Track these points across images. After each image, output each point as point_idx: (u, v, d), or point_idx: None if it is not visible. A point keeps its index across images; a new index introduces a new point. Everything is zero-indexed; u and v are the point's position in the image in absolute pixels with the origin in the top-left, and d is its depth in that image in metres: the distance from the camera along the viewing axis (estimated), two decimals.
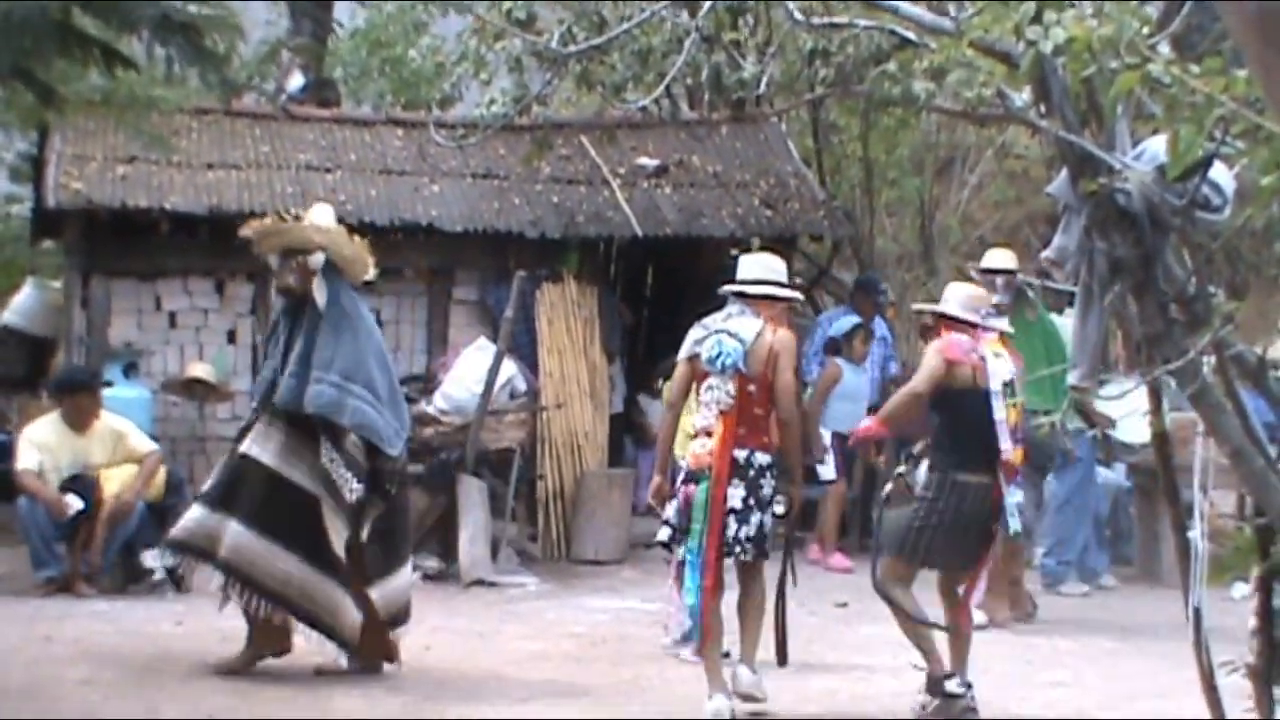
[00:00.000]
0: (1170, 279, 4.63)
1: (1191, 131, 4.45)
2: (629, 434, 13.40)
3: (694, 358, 7.44)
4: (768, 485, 7.31)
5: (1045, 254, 4.97)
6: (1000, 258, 10.31)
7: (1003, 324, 8.07)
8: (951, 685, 7.31)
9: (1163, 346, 4.61)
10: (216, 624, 8.09)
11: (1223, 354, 4.66)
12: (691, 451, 7.39)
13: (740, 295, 7.53)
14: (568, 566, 11.59)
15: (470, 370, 11.30)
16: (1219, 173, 4.65)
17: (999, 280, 9.96)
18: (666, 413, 7.85)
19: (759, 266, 7.72)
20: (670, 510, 7.42)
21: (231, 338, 12.06)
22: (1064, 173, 4.81)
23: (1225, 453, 4.58)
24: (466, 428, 11.03)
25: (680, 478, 7.42)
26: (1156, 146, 4.70)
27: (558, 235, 12.36)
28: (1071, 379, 4.88)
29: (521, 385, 11.51)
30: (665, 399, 7.55)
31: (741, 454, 7.26)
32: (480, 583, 10.62)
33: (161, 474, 10.22)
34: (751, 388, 7.27)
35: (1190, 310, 4.65)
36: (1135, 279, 4.60)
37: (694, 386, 7.51)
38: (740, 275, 7.66)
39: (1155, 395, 5.32)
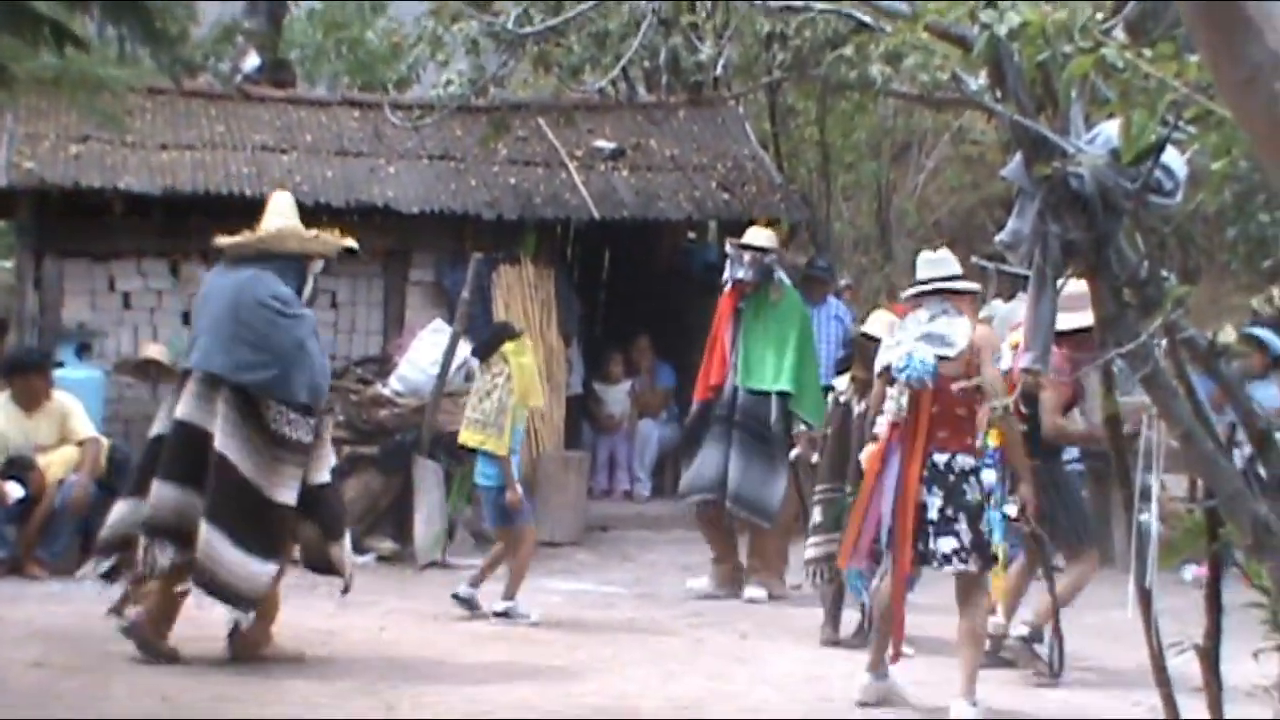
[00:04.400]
0: (1123, 263, 4.65)
1: (1144, 116, 4.48)
2: (585, 417, 13.41)
3: (886, 370, 7.15)
4: (974, 490, 7.09)
5: (999, 238, 4.99)
6: (757, 235, 10.27)
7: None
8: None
9: (1115, 330, 4.64)
10: None
11: (1174, 338, 4.69)
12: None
13: (940, 293, 7.25)
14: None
15: (426, 352, 11.28)
16: (1171, 157, 4.68)
17: (746, 257, 9.96)
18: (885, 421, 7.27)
19: (944, 263, 7.42)
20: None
21: (186, 319, 11.98)
22: (1018, 156, 4.82)
23: (1176, 436, 4.61)
24: (422, 410, 11.01)
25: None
26: (1110, 131, 4.72)
27: (514, 217, 12.35)
28: (1024, 362, 4.90)
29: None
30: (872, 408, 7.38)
31: (942, 458, 7.06)
32: (435, 565, 10.62)
33: (104, 452, 10.17)
34: (954, 387, 6.99)
35: (1142, 294, 4.68)
36: (1088, 262, 4.63)
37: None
38: (926, 274, 7.35)
39: (1107, 379, 5.35)
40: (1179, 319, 4.67)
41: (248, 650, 7.61)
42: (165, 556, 7.48)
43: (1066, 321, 7.86)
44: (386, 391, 11.20)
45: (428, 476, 10.86)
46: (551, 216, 12.58)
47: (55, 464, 10.04)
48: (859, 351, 8.58)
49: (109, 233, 11.80)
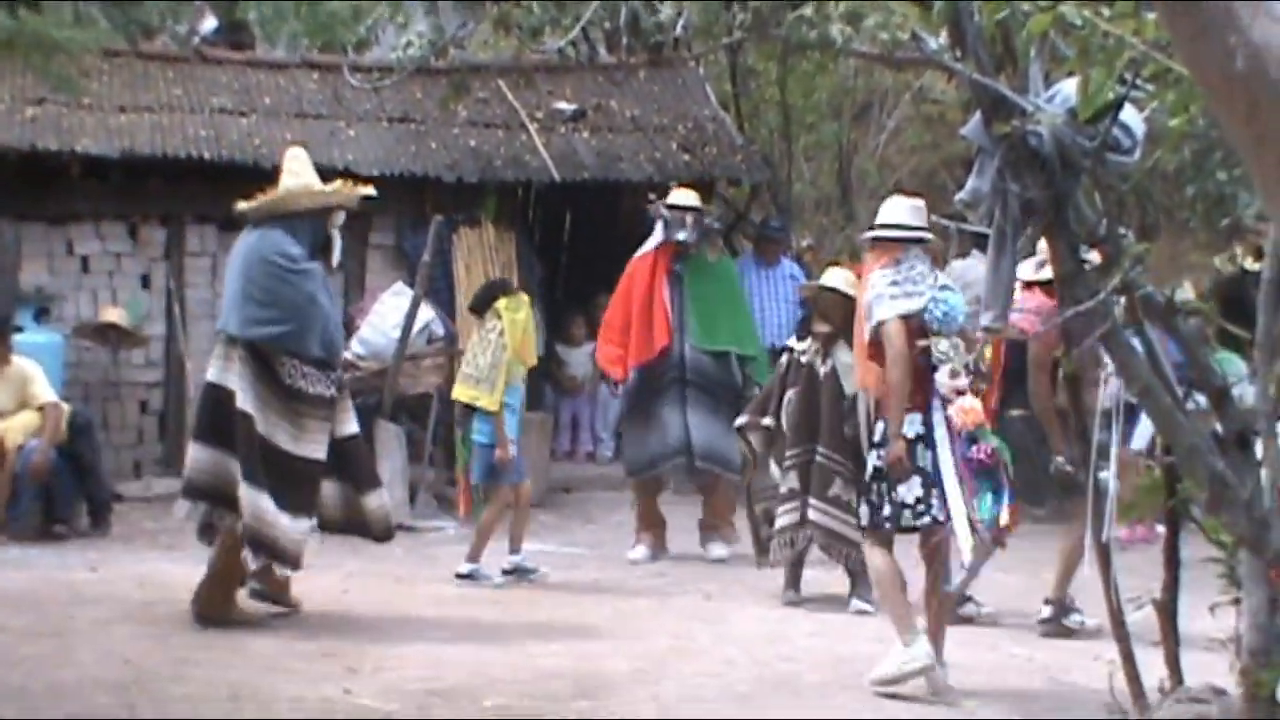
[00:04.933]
0: (1081, 220, 4.68)
1: (1102, 74, 4.50)
2: (548, 379, 13.40)
3: (908, 317, 6.86)
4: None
5: (959, 196, 5.00)
6: (687, 195, 10.24)
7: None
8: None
9: (1074, 287, 4.66)
10: (132, 569, 8.04)
11: (1133, 295, 4.72)
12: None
13: (920, 242, 7.08)
14: (464, 516, 11.58)
15: (387, 315, 11.26)
16: (1129, 115, 4.70)
17: (688, 219, 9.94)
18: (901, 373, 6.86)
19: (911, 209, 7.19)
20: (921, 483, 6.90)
21: (145, 282, 11.93)
22: (978, 115, 4.83)
23: (1134, 392, 4.64)
24: (384, 373, 10.99)
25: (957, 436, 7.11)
26: (1069, 89, 4.74)
27: (475, 180, 12.31)
28: (984, 320, 4.92)
29: (439, 330, 11.48)
30: (895, 360, 6.77)
31: (917, 417, 6.95)
32: (398, 527, 10.58)
33: (65, 417, 10.12)
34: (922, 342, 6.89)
35: (1101, 251, 4.71)
36: (1047, 220, 4.65)
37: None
38: (910, 219, 7.12)
39: (1067, 337, 5.39)
40: (1137, 277, 4.70)
41: (211, 609, 7.63)
42: (202, 515, 7.64)
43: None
44: (348, 355, 11.16)
45: (389, 440, 10.84)
46: (512, 179, 12.54)
47: (15, 429, 10.00)
48: (819, 305, 8.56)
49: (66, 196, 11.72)
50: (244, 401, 7.48)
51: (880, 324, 6.86)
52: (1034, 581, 9.63)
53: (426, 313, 11.23)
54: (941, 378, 7.17)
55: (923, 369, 6.93)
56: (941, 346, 7.02)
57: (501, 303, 9.15)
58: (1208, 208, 12.14)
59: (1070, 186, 4.61)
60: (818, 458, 8.46)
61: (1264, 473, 4.36)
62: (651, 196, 10.41)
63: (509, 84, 13.23)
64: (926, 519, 6.88)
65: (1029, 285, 7.99)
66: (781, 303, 12.58)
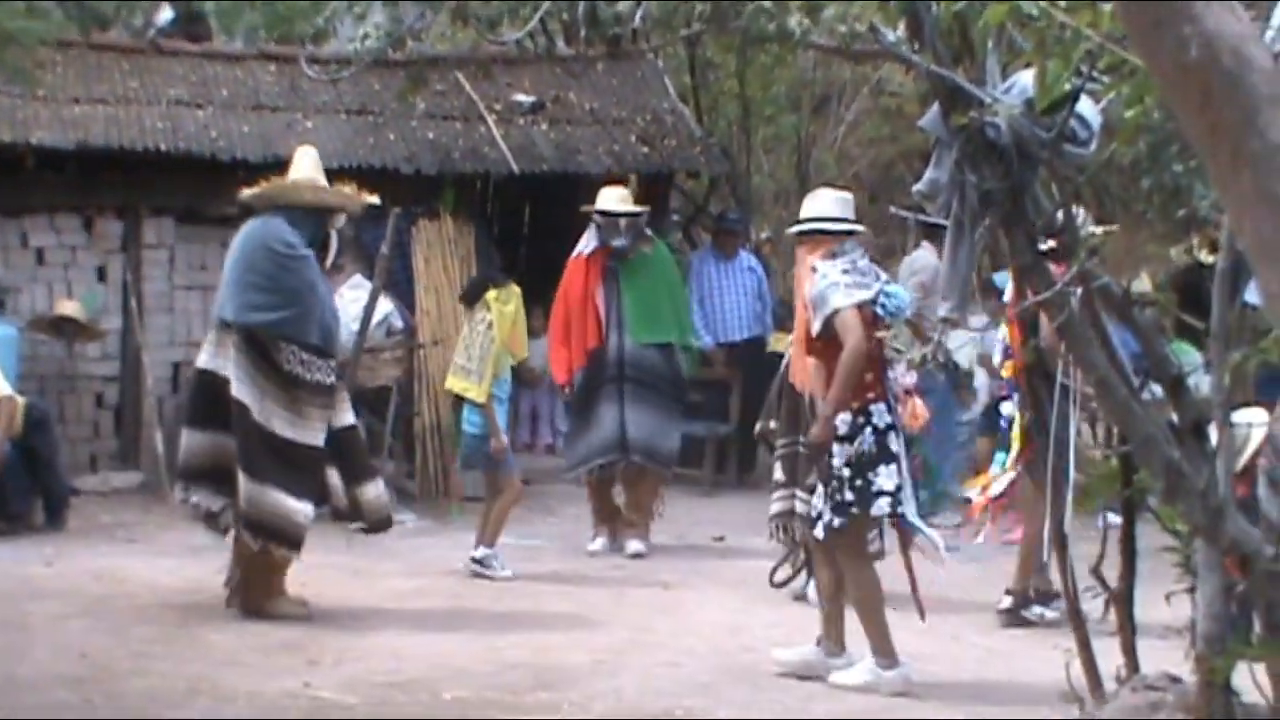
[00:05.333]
0: (1039, 211, 4.70)
1: (1059, 66, 4.51)
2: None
3: (863, 306, 6.88)
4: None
5: (917, 187, 5.02)
6: (617, 198, 10.12)
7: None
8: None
9: (1032, 278, 4.68)
10: (89, 563, 8.00)
11: (1089, 286, 4.74)
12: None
13: (853, 234, 7.12)
14: (445, 503, 11.58)
15: (346, 309, 11.19)
16: (1086, 107, 4.72)
17: (621, 224, 9.91)
18: (855, 358, 6.83)
19: (839, 201, 7.23)
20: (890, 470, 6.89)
21: (101, 275, 11.86)
22: (935, 107, 4.85)
23: (1090, 382, 4.67)
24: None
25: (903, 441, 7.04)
26: (1026, 80, 4.75)
27: (433, 172, 12.28)
28: (941, 311, 4.94)
29: (398, 323, 11.45)
30: (856, 348, 6.73)
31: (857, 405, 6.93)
32: None
33: (20, 410, 10.05)
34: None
35: (1058, 242, 4.73)
36: (1004, 211, 4.67)
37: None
38: (843, 213, 7.16)
39: (1024, 327, 5.41)
40: (1094, 267, 4.72)
41: (251, 605, 7.65)
42: (205, 501, 7.61)
43: None
44: None
45: None
46: (470, 171, 12.52)
47: None
48: None
49: (21, 188, 11.63)
50: (239, 391, 7.48)
51: (835, 313, 6.84)
52: (993, 572, 9.68)
53: (385, 305, 11.19)
54: (896, 373, 7.17)
55: (880, 361, 6.95)
56: (897, 342, 7.06)
57: (491, 294, 9.21)
58: (1164, 200, 12.20)
59: (1028, 177, 4.63)
60: (799, 447, 8.50)
61: (1219, 462, 4.39)
62: (585, 208, 10.33)
63: (467, 76, 13.19)
64: (902, 508, 6.91)
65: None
66: (740, 295, 12.60)
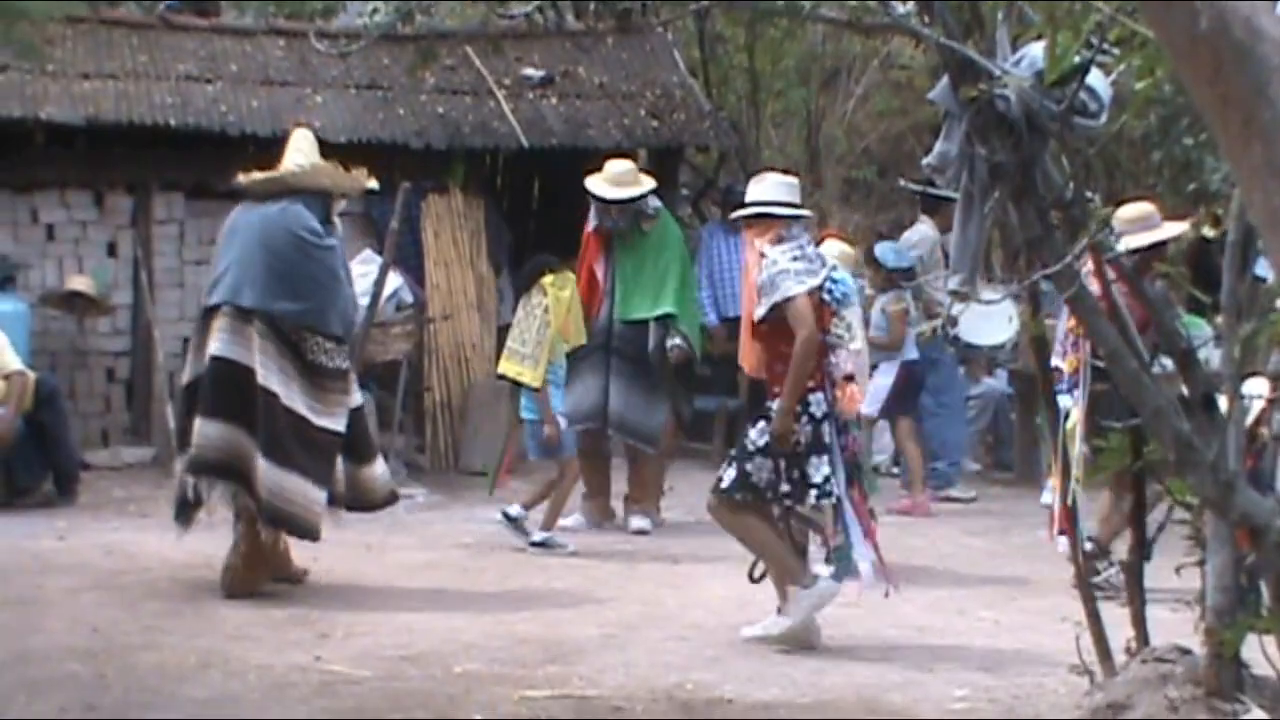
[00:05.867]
0: (1049, 184, 4.70)
1: (1069, 38, 4.51)
2: None
3: (811, 292, 6.89)
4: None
5: (927, 160, 5.02)
6: (617, 181, 9.87)
7: None
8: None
9: (1042, 251, 4.68)
10: (100, 538, 8.02)
11: (1100, 258, 4.74)
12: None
13: (800, 219, 7.12)
14: (456, 478, 11.61)
15: (355, 282, 11.20)
16: (1096, 79, 4.72)
17: (613, 211, 9.77)
18: (809, 348, 6.84)
19: (786, 186, 7.20)
20: (821, 461, 6.88)
21: (111, 250, 11.87)
22: (945, 79, 4.84)
23: (1101, 354, 4.67)
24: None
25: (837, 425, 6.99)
26: (1036, 53, 4.75)
27: (443, 146, 12.27)
28: (951, 284, 4.94)
29: (408, 297, 11.45)
30: (810, 339, 6.74)
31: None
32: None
33: (30, 385, 10.07)
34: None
35: (1068, 215, 4.73)
36: (1014, 184, 4.67)
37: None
38: (790, 197, 7.14)
39: (1034, 300, 5.41)
40: (1104, 240, 4.72)
41: (241, 587, 7.61)
42: (213, 492, 7.44)
43: (1136, 240, 7.99)
44: None
45: None
46: (480, 145, 12.51)
47: None
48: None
49: (31, 164, 11.64)
50: (267, 379, 7.41)
51: (786, 300, 6.86)
52: (1000, 545, 9.70)
53: (395, 280, 11.19)
54: (839, 358, 7.11)
55: (823, 348, 6.96)
56: (839, 328, 7.08)
57: (548, 279, 9.20)
58: (1174, 173, 12.19)
59: (1037, 150, 4.63)
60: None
61: (1229, 435, 4.39)
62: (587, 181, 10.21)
63: (476, 50, 13.17)
64: (829, 500, 6.92)
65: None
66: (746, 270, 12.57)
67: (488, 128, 12.49)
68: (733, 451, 7.08)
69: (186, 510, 7.62)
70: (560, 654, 6.69)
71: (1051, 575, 8.15)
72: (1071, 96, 4.56)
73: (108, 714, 5.70)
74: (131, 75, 12.10)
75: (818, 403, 6.89)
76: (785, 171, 7.93)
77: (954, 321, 10.49)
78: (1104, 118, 4.82)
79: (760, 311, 6.94)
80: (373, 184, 8.06)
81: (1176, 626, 5.10)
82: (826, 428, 6.89)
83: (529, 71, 13.12)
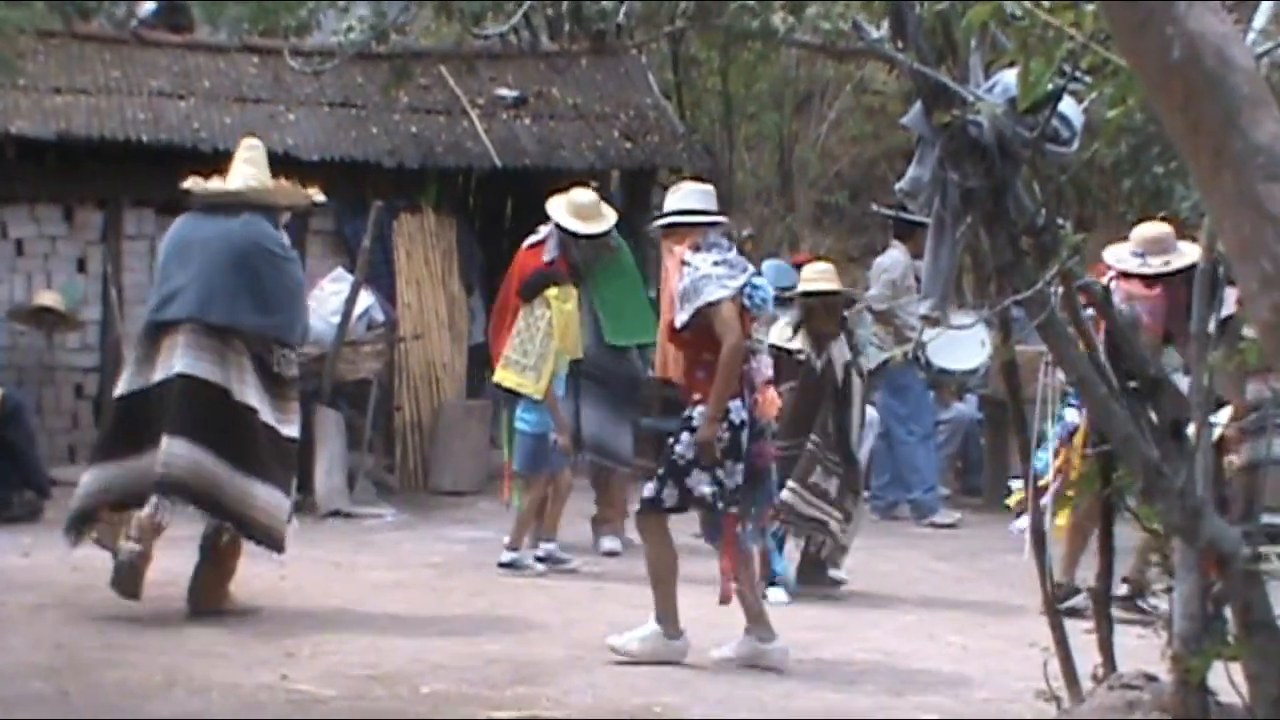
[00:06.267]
0: (1020, 210, 4.71)
1: (1042, 65, 4.52)
2: (487, 366, 13.37)
3: (735, 297, 6.91)
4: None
5: (899, 185, 5.03)
6: (578, 216, 9.63)
7: None
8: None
9: (1013, 277, 4.69)
10: (65, 554, 7.96)
11: (1070, 285, 4.75)
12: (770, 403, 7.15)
13: (719, 226, 7.17)
14: (425, 497, 11.58)
15: (327, 301, 11.20)
16: (1068, 106, 4.74)
17: (581, 243, 9.59)
18: (737, 355, 6.88)
19: (702, 194, 7.26)
20: (737, 468, 6.91)
21: (81, 266, 11.83)
22: (919, 104, 4.86)
23: (1070, 381, 4.69)
24: (323, 359, 10.93)
25: (757, 429, 6.99)
26: (1009, 80, 4.76)
27: (416, 166, 12.28)
28: (923, 309, 4.95)
29: (379, 316, 11.44)
30: (736, 345, 6.77)
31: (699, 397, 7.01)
32: (337, 514, 10.58)
33: None
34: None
35: (1039, 241, 4.75)
36: (986, 210, 4.68)
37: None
38: (706, 205, 7.20)
39: (1005, 326, 5.42)
40: (1075, 267, 4.74)
41: (209, 603, 7.56)
42: (171, 514, 7.28)
43: (1162, 264, 8.09)
44: None
45: (329, 425, 10.80)
46: (453, 165, 12.52)
47: None
48: (816, 308, 8.61)
49: (1, 178, 11.60)
50: (244, 394, 7.36)
51: (710, 306, 6.87)
52: (969, 570, 9.72)
53: (366, 298, 11.19)
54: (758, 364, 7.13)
55: (745, 353, 6.99)
56: (759, 334, 7.11)
57: (552, 292, 9.17)
58: (1144, 201, 12.26)
59: (1010, 176, 4.64)
60: (809, 446, 8.53)
61: (1197, 462, 4.40)
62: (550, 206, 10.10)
63: (450, 70, 13.19)
64: (735, 508, 6.93)
65: (1128, 276, 8.15)
66: None
67: (461, 147, 12.50)
68: (660, 470, 7.02)
69: (80, 524, 7.52)
70: (528, 675, 6.67)
71: (1020, 601, 8.16)
72: (1044, 123, 4.58)
73: None
74: (104, 90, 12.08)
75: (736, 410, 6.91)
76: (702, 181, 7.96)
77: (923, 346, 10.53)
78: (1076, 145, 4.84)
79: (683, 318, 6.94)
80: (320, 196, 8.01)
81: (1143, 653, 5.10)
82: (743, 436, 6.91)
83: (503, 92, 13.14)
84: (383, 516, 10.70)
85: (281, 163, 11.83)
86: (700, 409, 6.90)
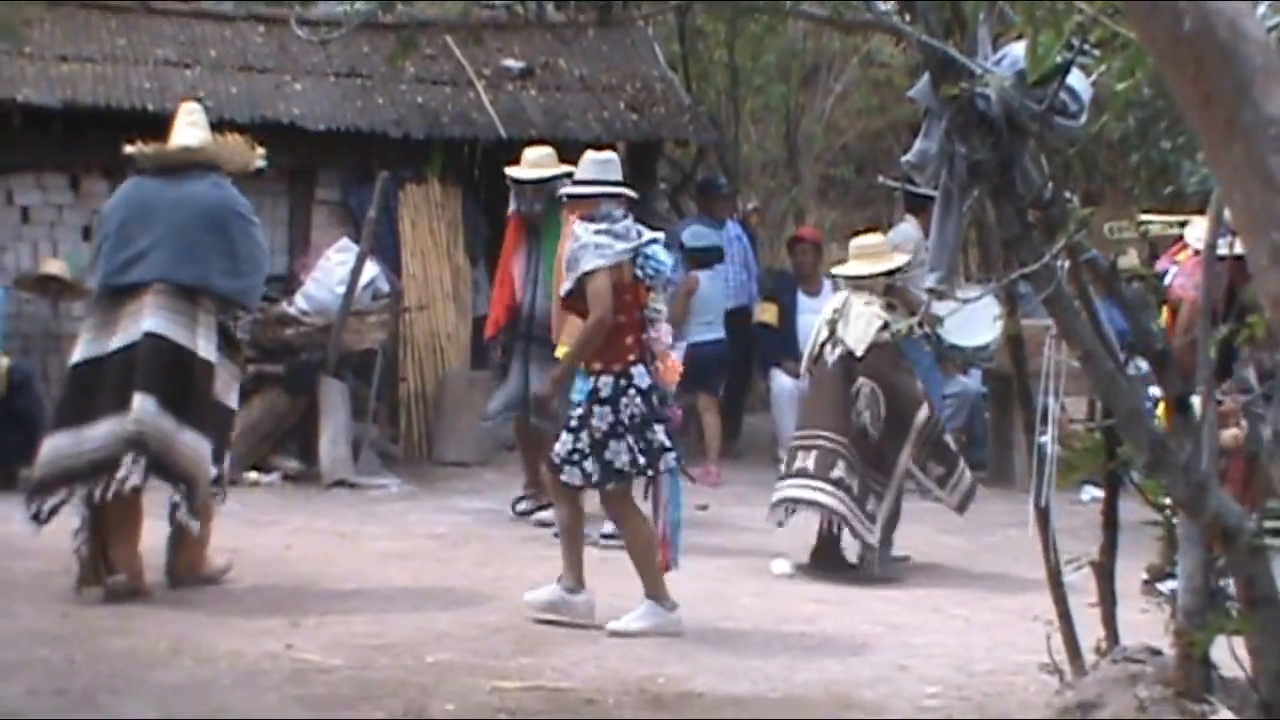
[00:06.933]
0: (1027, 184, 4.71)
1: (1050, 38, 4.52)
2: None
3: (621, 266, 6.99)
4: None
5: (906, 158, 5.02)
6: (534, 165, 9.79)
7: None
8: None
9: (1019, 250, 4.69)
10: (72, 523, 7.96)
11: (1077, 259, 4.75)
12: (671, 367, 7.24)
13: (618, 197, 7.23)
14: (429, 468, 11.59)
15: (332, 271, 11.20)
16: (1076, 79, 4.73)
17: (528, 191, 9.70)
18: (601, 327, 6.97)
19: (601, 164, 7.39)
20: (658, 429, 7.01)
21: (86, 234, 11.81)
22: (926, 77, 4.85)
23: (1077, 356, 4.69)
24: (328, 329, 10.94)
25: (660, 394, 7.07)
26: (1017, 52, 4.76)
27: (421, 136, 12.25)
28: (929, 281, 4.95)
29: (384, 286, 11.43)
30: (602, 319, 6.88)
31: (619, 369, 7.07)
32: (341, 484, 10.59)
33: (4, 372, 10.02)
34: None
35: (1046, 215, 4.75)
36: (993, 183, 4.68)
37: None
38: (607, 175, 7.33)
39: (1010, 299, 5.42)
40: (1082, 241, 4.73)
41: (186, 573, 7.55)
42: (142, 476, 7.12)
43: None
44: (292, 310, 11.12)
45: (333, 396, 10.81)
46: (459, 136, 12.48)
47: None
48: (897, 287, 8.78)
49: (7, 146, 11.57)
50: (208, 351, 7.31)
51: (587, 274, 6.96)
52: (974, 544, 9.73)
53: (371, 269, 11.19)
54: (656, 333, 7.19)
55: (640, 323, 7.05)
56: (656, 303, 7.15)
57: None
58: (1151, 176, 12.23)
59: (1017, 149, 4.64)
60: (824, 441, 8.50)
61: (1202, 437, 4.41)
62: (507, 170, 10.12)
63: (457, 40, 13.15)
64: (674, 462, 7.07)
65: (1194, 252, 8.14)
66: (727, 264, 12.55)
67: (467, 118, 12.47)
68: (580, 445, 6.98)
69: (40, 495, 7.34)
70: (533, 646, 6.69)
71: (1024, 574, 8.17)
72: (1052, 96, 4.57)
73: (77, 698, 5.68)
74: (110, 59, 12.05)
75: (640, 375, 7.00)
76: (600, 148, 8.03)
77: (939, 321, 10.51)
78: (1084, 118, 4.83)
79: (566, 286, 7.13)
80: (261, 163, 7.91)
81: (1147, 627, 5.12)
82: (655, 398, 7.01)
83: (509, 62, 13.11)
84: (387, 487, 10.70)
85: (287, 132, 11.92)
86: (605, 379, 6.97)
